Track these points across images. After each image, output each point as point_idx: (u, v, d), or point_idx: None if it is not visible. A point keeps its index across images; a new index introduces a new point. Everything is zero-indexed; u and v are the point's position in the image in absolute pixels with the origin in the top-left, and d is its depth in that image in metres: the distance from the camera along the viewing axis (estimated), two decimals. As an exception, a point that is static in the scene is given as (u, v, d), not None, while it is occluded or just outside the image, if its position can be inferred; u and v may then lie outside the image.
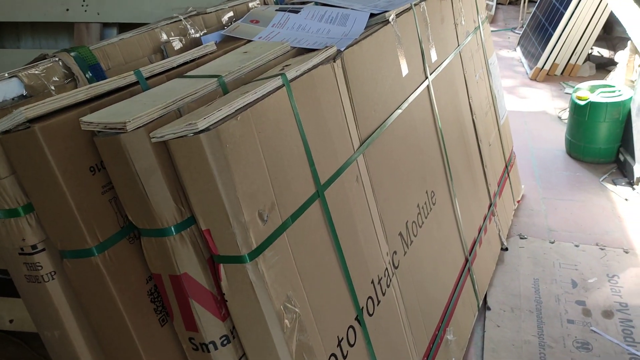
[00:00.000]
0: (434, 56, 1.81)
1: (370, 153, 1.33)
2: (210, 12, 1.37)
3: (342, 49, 1.25)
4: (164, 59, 1.19)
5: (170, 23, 1.25)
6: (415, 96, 1.64)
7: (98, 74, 1.04)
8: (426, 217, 1.63)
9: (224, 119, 0.87)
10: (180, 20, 1.27)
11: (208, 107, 0.92)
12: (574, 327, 1.96)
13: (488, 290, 2.15)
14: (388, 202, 1.39)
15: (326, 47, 1.23)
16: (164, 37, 1.21)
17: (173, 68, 1.09)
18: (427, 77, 1.74)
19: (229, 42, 1.32)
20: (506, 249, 2.42)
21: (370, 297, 1.25)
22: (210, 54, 1.19)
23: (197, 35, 1.31)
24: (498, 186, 2.47)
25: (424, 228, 1.61)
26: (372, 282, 1.27)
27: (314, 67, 1.13)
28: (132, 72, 0.99)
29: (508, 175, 2.67)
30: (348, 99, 1.26)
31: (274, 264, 0.94)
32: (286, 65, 1.13)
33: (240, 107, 0.91)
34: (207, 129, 0.84)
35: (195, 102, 0.95)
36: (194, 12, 1.32)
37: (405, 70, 1.58)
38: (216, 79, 1.02)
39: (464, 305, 1.86)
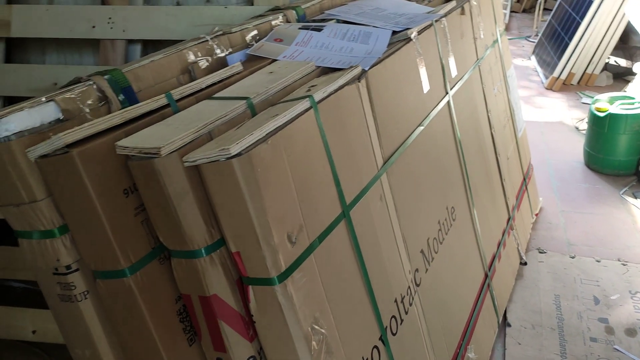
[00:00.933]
0: (454, 71, 1.82)
1: (393, 171, 1.34)
2: (235, 32, 1.39)
3: (366, 69, 1.26)
4: (191, 79, 1.21)
5: (198, 44, 1.27)
6: (436, 112, 1.64)
7: (130, 96, 1.06)
8: (447, 234, 1.63)
9: (254, 143, 0.89)
10: (207, 40, 1.29)
11: (238, 130, 0.93)
12: (597, 346, 1.94)
13: (508, 306, 2.14)
14: (410, 219, 1.40)
15: (351, 66, 1.25)
16: (192, 57, 1.23)
17: (202, 89, 1.11)
18: (447, 93, 1.74)
19: (254, 62, 1.33)
20: (525, 264, 2.41)
21: (393, 317, 1.25)
22: (237, 74, 1.20)
23: (223, 54, 1.33)
24: (516, 200, 2.46)
25: (445, 244, 1.61)
26: (396, 301, 1.27)
27: (340, 87, 1.14)
28: (163, 95, 1.01)
29: (526, 188, 2.66)
30: (372, 118, 1.26)
31: (302, 285, 0.95)
32: (312, 86, 1.15)
33: (271, 131, 0.93)
34: (239, 154, 0.85)
35: (224, 125, 0.97)
36: (220, 32, 1.34)
37: (426, 86, 1.59)
38: (244, 100, 1.03)
39: (484, 322, 1.85)
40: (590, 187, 3.09)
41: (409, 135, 1.45)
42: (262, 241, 0.88)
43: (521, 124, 2.76)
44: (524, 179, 2.66)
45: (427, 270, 1.47)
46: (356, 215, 1.14)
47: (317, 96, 1.06)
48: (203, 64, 1.25)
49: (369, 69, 1.27)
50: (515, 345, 1.96)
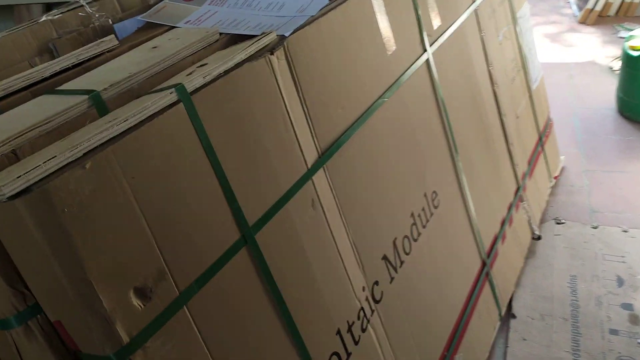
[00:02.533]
0: (436, 22, 1.45)
1: (335, 164, 1.03)
2: (129, -9, 1.08)
3: (286, 34, 0.94)
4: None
5: (67, 11, 0.97)
6: (408, 77, 1.30)
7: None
8: (424, 227, 1.33)
9: (65, 167, 0.61)
10: (83, 5, 0.99)
11: (58, 145, 0.65)
12: (618, 340, 1.64)
13: (514, 293, 1.84)
14: (365, 223, 1.10)
15: (263, 33, 0.92)
16: (54, 32, 0.94)
17: (45, 79, 0.82)
18: (425, 50, 1.39)
19: (148, 31, 1.03)
20: (539, 238, 2.08)
21: (335, 353, 0.98)
22: (107, 51, 0.91)
23: (110, 22, 1.03)
24: (529, 165, 2.11)
25: (421, 241, 1.31)
26: (339, 332, 1.00)
27: (237, 66, 0.83)
28: (-29, 95, 0.73)
29: (542, 148, 2.29)
30: (298, 101, 0.95)
31: (165, 354, 0.69)
32: (201, 66, 0.84)
33: (98, 146, 0.64)
34: (27, 190, 0.57)
35: (45, 136, 0.69)
36: (104, -7, 1.04)
37: (392, 46, 1.25)
38: (87, 96, 0.74)
39: (480, 320, 1.57)
40: (621, 139, 2.67)
41: (363, 114, 1.13)
42: (82, 309, 0.62)
43: (537, 73, 2.35)
44: (540, 138, 2.28)
45: (392, 279, 1.18)
46: (268, 236, 0.86)
47: (193, 84, 0.76)
48: (73, 38, 0.96)
49: (291, 34, 0.94)
50: (519, 342, 1.68)
